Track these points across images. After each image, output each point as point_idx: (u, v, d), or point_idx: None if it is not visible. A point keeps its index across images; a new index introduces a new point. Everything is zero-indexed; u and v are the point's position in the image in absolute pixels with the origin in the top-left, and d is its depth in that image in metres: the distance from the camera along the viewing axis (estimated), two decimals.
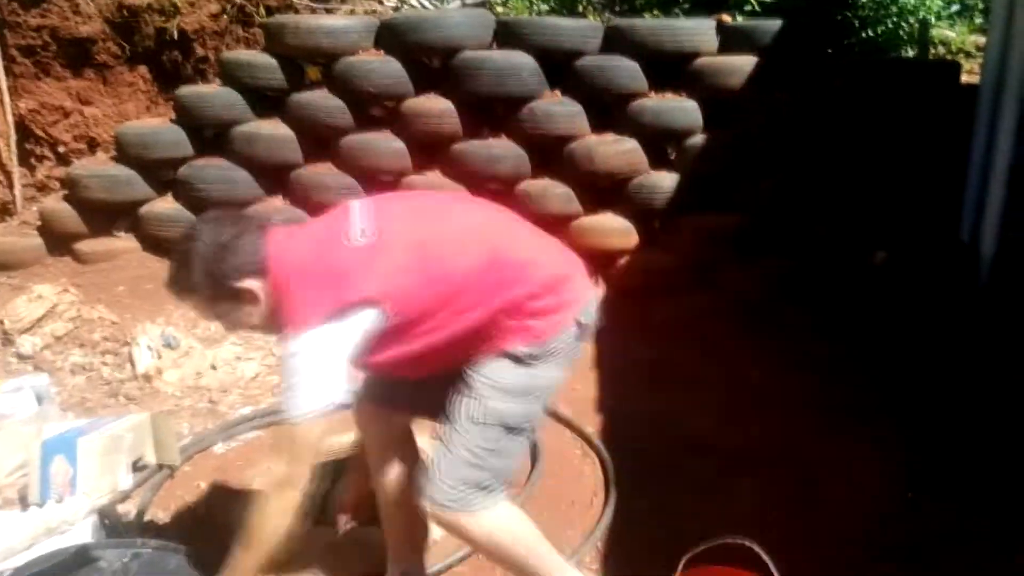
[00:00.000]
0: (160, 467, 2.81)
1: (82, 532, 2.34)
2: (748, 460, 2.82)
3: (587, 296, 1.89)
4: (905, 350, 3.47)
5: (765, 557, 1.84)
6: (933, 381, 3.26)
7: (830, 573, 2.28)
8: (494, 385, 1.78)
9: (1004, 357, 3.32)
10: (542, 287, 1.78)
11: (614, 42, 4.09)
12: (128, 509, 2.61)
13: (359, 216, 1.77)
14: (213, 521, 2.59)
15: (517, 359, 1.79)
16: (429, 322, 1.74)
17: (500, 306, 1.75)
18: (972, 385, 3.20)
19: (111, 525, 2.44)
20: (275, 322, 1.74)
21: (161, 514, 2.63)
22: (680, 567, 1.92)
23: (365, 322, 1.67)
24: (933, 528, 2.47)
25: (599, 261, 4.18)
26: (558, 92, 4.14)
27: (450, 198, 1.97)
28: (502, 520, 1.81)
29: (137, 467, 2.75)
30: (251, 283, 1.71)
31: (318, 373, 1.63)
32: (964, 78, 4.32)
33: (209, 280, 1.70)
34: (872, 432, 2.98)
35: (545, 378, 1.84)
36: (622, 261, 4.18)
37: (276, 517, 1.69)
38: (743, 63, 4.03)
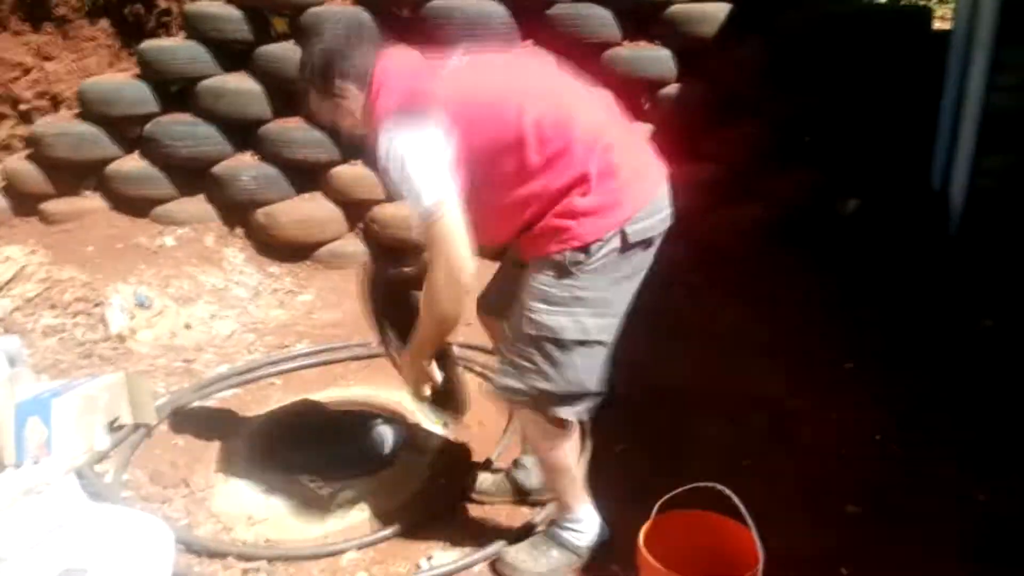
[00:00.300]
0: (137, 426, 2.81)
1: (60, 492, 2.35)
2: (721, 406, 2.87)
3: (643, 204, 1.85)
4: (878, 297, 3.51)
5: (736, 500, 1.88)
6: (904, 327, 3.31)
7: (799, 515, 2.34)
8: (539, 297, 1.85)
9: (971, 303, 3.38)
10: (598, 171, 1.79)
11: None
12: (106, 469, 2.62)
13: (462, 52, 1.93)
14: (191, 479, 2.61)
15: (560, 268, 1.83)
16: (490, 167, 1.81)
17: (555, 185, 1.80)
18: (941, 331, 3.26)
19: (89, 485, 2.45)
20: (369, 125, 1.90)
21: (139, 473, 2.63)
22: (654, 511, 1.96)
23: (438, 126, 1.76)
24: (900, 469, 2.54)
25: None
26: (531, 41, 4.08)
27: (556, 65, 2.04)
28: (562, 432, 1.98)
29: (114, 427, 2.75)
30: (351, 88, 1.90)
31: (418, 165, 1.73)
32: (938, 24, 4.32)
33: (319, 78, 1.92)
34: (843, 377, 3.04)
35: (593, 290, 1.85)
36: None
37: (446, 304, 1.81)
38: (715, 10, 4.00)
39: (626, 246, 1.84)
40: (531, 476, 2.37)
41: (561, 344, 1.87)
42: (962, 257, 3.61)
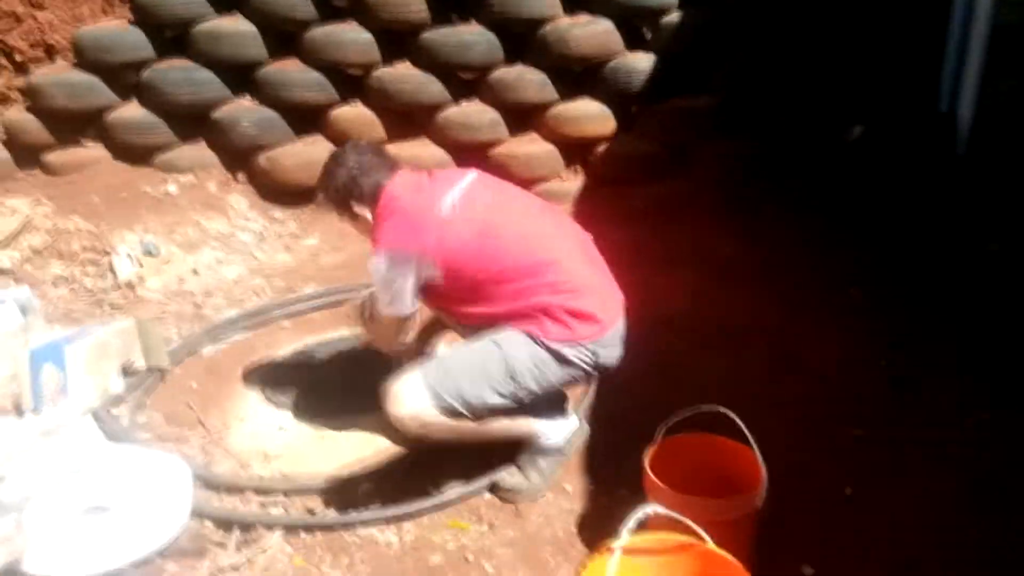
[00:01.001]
0: (151, 370, 2.86)
1: (79, 434, 2.41)
2: (724, 335, 2.89)
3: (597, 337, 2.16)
4: (883, 222, 3.50)
5: (739, 422, 1.91)
6: (910, 251, 3.30)
7: (803, 438, 2.38)
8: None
9: (978, 226, 3.36)
10: (570, 313, 2.12)
11: None
12: (122, 412, 2.67)
13: (458, 190, 2.21)
14: (207, 419, 2.66)
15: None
16: (473, 293, 2.18)
17: (531, 306, 2.13)
18: (947, 255, 3.25)
19: (107, 428, 2.50)
20: (372, 235, 2.30)
21: (156, 415, 2.69)
22: (658, 435, 2.00)
23: (420, 268, 2.16)
24: (905, 393, 2.57)
25: (577, 149, 4.15)
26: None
27: (542, 204, 2.41)
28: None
29: (128, 371, 2.80)
30: (362, 209, 2.28)
31: (388, 287, 2.18)
32: None
33: (336, 197, 2.32)
34: (848, 303, 3.04)
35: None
36: (600, 148, 4.14)
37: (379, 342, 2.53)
38: None
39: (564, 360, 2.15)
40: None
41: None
42: (969, 180, 3.57)
